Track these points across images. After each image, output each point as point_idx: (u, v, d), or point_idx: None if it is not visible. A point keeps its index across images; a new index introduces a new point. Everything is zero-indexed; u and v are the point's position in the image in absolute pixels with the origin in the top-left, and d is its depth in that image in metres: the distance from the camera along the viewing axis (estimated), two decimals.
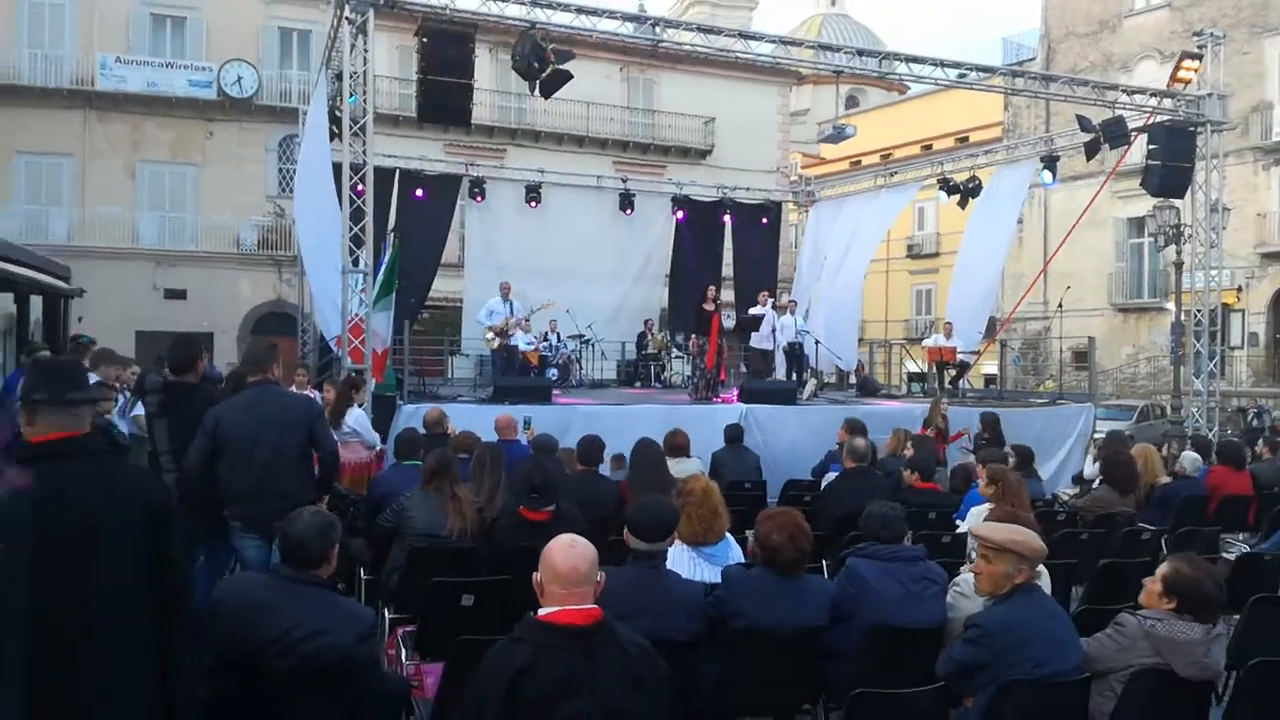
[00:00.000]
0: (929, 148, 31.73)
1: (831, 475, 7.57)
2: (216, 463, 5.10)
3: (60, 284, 11.24)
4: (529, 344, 14.95)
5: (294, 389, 8.53)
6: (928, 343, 15.93)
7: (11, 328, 12.78)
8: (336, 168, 11.20)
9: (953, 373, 15.25)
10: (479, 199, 17.36)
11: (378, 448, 8.73)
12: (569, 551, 2.84)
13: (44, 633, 2.45)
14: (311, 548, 3.26)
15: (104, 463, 2.69)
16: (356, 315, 10.44)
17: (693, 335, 14.15)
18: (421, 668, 4.45)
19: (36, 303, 11.85)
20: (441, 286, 18.19)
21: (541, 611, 2.81)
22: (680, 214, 18.76)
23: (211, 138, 23.59)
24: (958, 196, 17.00)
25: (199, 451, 5.13)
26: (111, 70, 22.41)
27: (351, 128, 10.55)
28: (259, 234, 23.87)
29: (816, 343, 15.40)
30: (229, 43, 23.37)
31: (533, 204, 17.43)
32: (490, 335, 14.45)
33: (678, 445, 7.74)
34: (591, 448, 6.69)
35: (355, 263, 10.56)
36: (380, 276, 11.28)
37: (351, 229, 10.42)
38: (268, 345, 6.06)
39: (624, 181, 19.09)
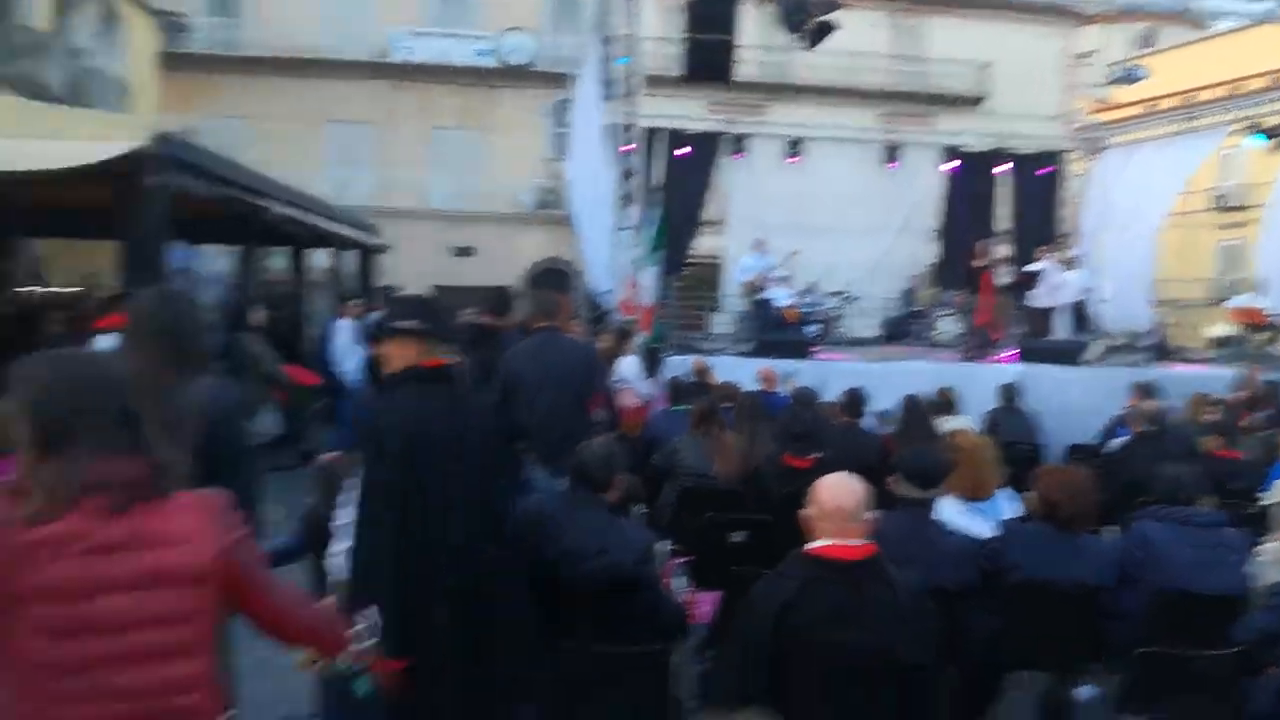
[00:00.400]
0: (1236, 89, 28.36)
1: (1119, 440, 7.13)
2: (511, 401, 5.58)
3: (371, 240, 12.50)
4: (788, 300, 14.95)
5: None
6: (1235, 302, 14.46)
7: (330, 280, 14.38)
8: (607, 129, 11.66)
9: (1265, 336, 13.76)
10: (740, 155, 17.45)
11: (647, 395, 9.15)
12: (840, 488, 2.91)
13: (417, 505, 3.08)
14: (598, 474, 3.53)
15: (453, 388, 3.31)
16: (627, 271, 10.89)
17: (962, 292, 13.61)
18: (695, 596, 4.69)
19: (349, 258, 13.24)
20: (703, 243, 18.52)
21: (810, 545, 2.90)
22: (950, 165, 17.96)
23: (495, 104, 25.14)
24: (1271, 142, 15.20)
25: (495, 390, 5.65)
26: (403, 42, 24.41)
27: (621, 89, 10.93)
28: (537, 195, 25.26)
29: (1103, 302, 14.36)
30: (508, 12, 24.74)
31: (794, 159, 17.31)
32: (747, 290, 14.59)
33: (946, 403, 7.56)
34: (855, 399, 6.69)
35: (625, 221, 10.99)
36: (648, 234, 11.68)
37: (623, 187, 10.84)
38: (556, 296, 6.50)
39: (889, 133, 18.51)
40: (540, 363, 5.61)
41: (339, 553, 3.17)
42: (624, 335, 9.66)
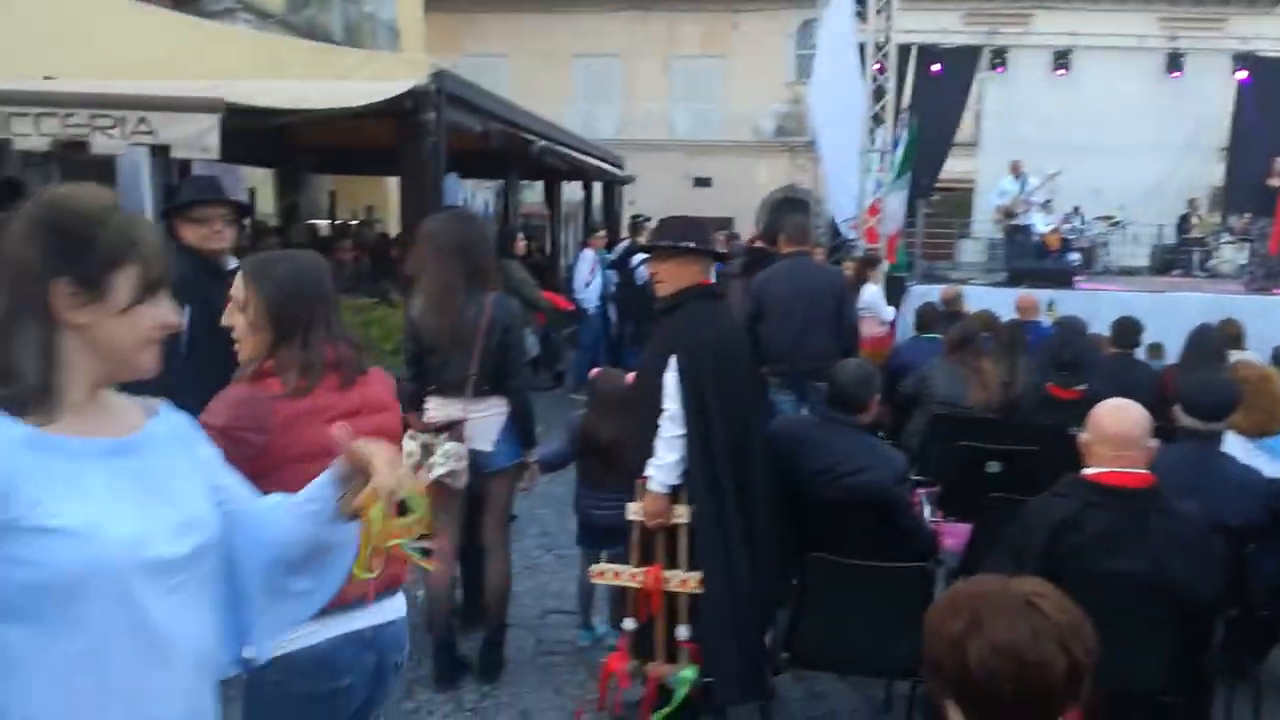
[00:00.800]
0: None
1: None
2: (760, 324, 5.70)
3: (618, 172, 12.86)
4: (1048, 226, 14.06)
5: None
6: None
7: (577, 212, 14.97)
8: (856, 48, 11.31)
9: None
10: (999, 70, 16.41)
11: (889, 322, 9.02)
12: (1121, 414, 2.81)
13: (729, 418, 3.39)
14: (856, 394, 3.57)
15: (721, 305, 3.68)
16: (873, 196, 10.64)
17: (1248, 216, 12.29)
18: (942, 526, 4.66)
19: (597, 189, 13.70)
20: (953, 166, 17.67)
21: (1088, 470, 2.83)
22: (1243, 74, 16.09)
23: (737, 29, 24.89)
24: None
25: (746, 313, 5.78)
26: None
27: (876, 4, 10.55)
28: (776, 121, 24.93)
29: None
30: None
31: (1060, 71, 16.09)
32: (1000, 216, 13.84)
33: (1230, 336, 6.94)
34: (1127, 329, 6.28)
35: (874, 143, 10.70)
36: (897, 157, 11.32)
37: (872, 108, 10.54)
38: (801, 221, 6.52)
39: (1172, 40, 16.78)
40: (793, 284, 5.69)
41: (666, 465, 3.33)
42: (868, 263, 9.50)
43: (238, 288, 2.19)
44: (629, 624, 3.40)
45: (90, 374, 1.33)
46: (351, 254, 12.08)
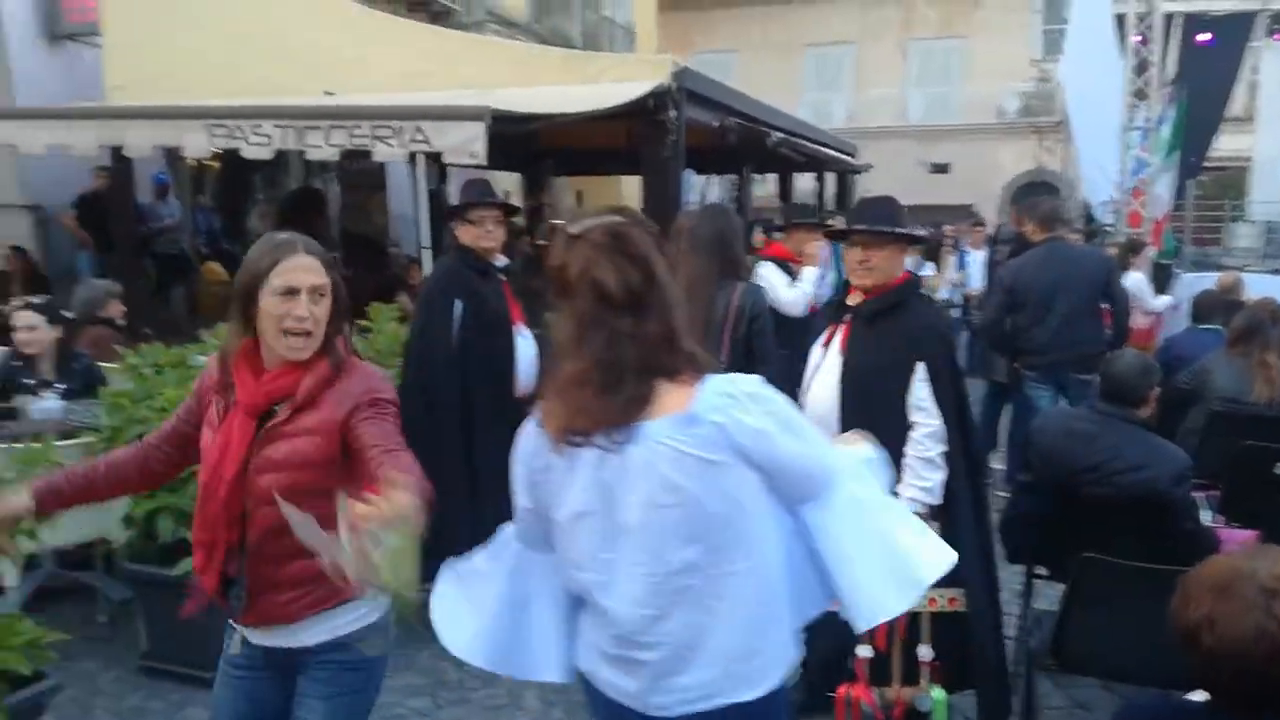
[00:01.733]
0: None
1: None
2: (1015, 315, 5.46)
3: (853, 161, 12.65)
4: None
5: None
6: None
7: (809, 203, 14.84)
8: (1113, 19, 10.56)
9: None
10: (1277, 36, 14.82)
11: (1157, 312, 8.38)
12: None
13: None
14: (1134, 386, 3.37)
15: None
16: (1136, 177, 9.91)
17: None
18: (1225, 531, 4.30)
19: (830, 179, 13.53)
20: (1225, 144, 16.12)
21: None
22: None
23: (979, 7, 23.81)
24: None
25: (996, 304, 5.55)
26: None
27: None
28: (1021, 101, 23.65)
29: None
30: None
31: None
32: None
33: None
34: None
35: (1134, 120, 9.96)
36: (1164, 134, 10.47)
37: (1133, 83, 9.81)
38: (1054, 204, 6.18)
39: None
40: (1050, 272, 5.41)
41: (932, 487, 3.04)
42: (1132, 249, 8.85)
43: (318, 275, 2.02)
44: (865, 651, 3.08)
45: None
46: None
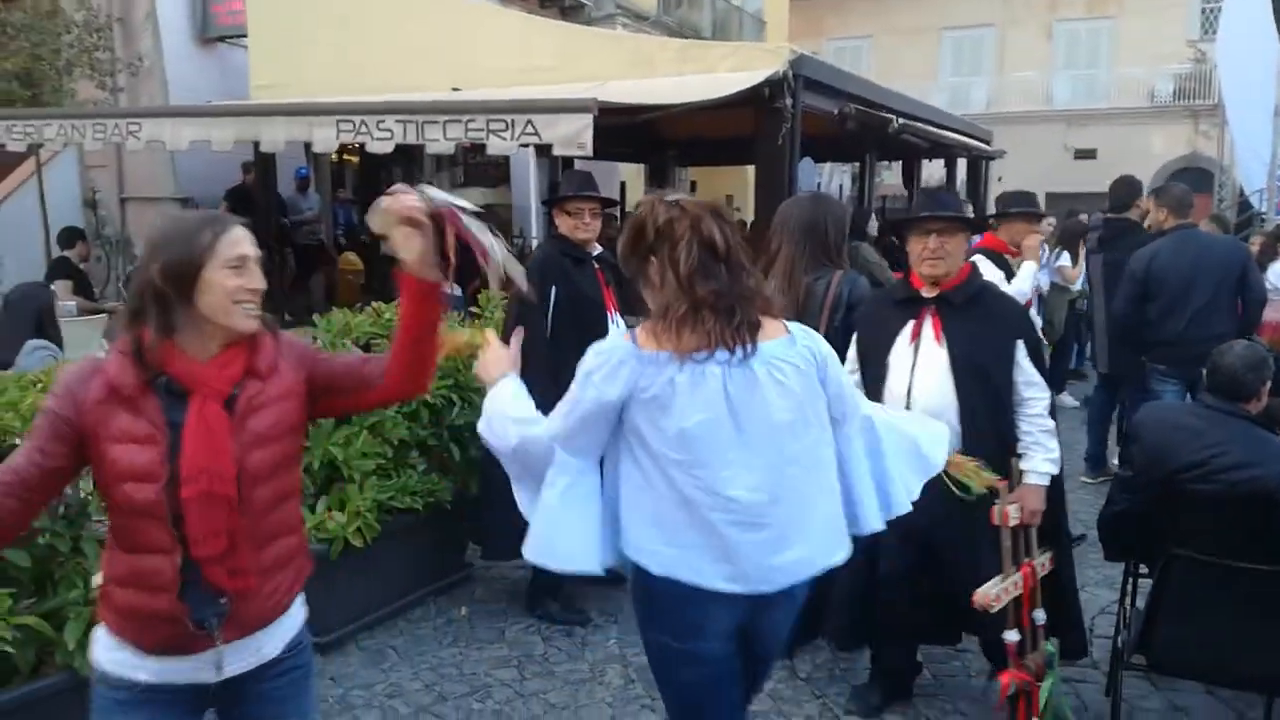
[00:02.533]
0: None
1: None
2: (1148, 306, 5.21)
3: (983, 146, 12.22)
4: None
5: None
6: None
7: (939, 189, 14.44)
8: None
9: None
10: None
11: None
12: None
13: None
14: (1244, 381, 3.19)
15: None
16: None
17: None
18: None
19: (961, 165, 13.12)
20: None
21: None
22: None
23: None
24: None
25: (1128, 295, 5.31)
26: None
27: None
28: (1175, 84, 22.36)
29: None
30: None
31: None
32: None
33: None
34: None
35: None
36: None
37: None
38: (1184, 190, 5.84)
39: None
40: (1185, 261, 5.14)
41: (1057, 456, 3.20)
42: (1278, 238, 8.30)
43: (254, 246, 1.93)
44: (1014, 635, 3.12)
45: None
46: None
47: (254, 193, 10.07)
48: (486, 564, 4.74)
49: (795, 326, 2.20)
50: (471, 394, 4.43)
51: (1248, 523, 3.03)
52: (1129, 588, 3.52)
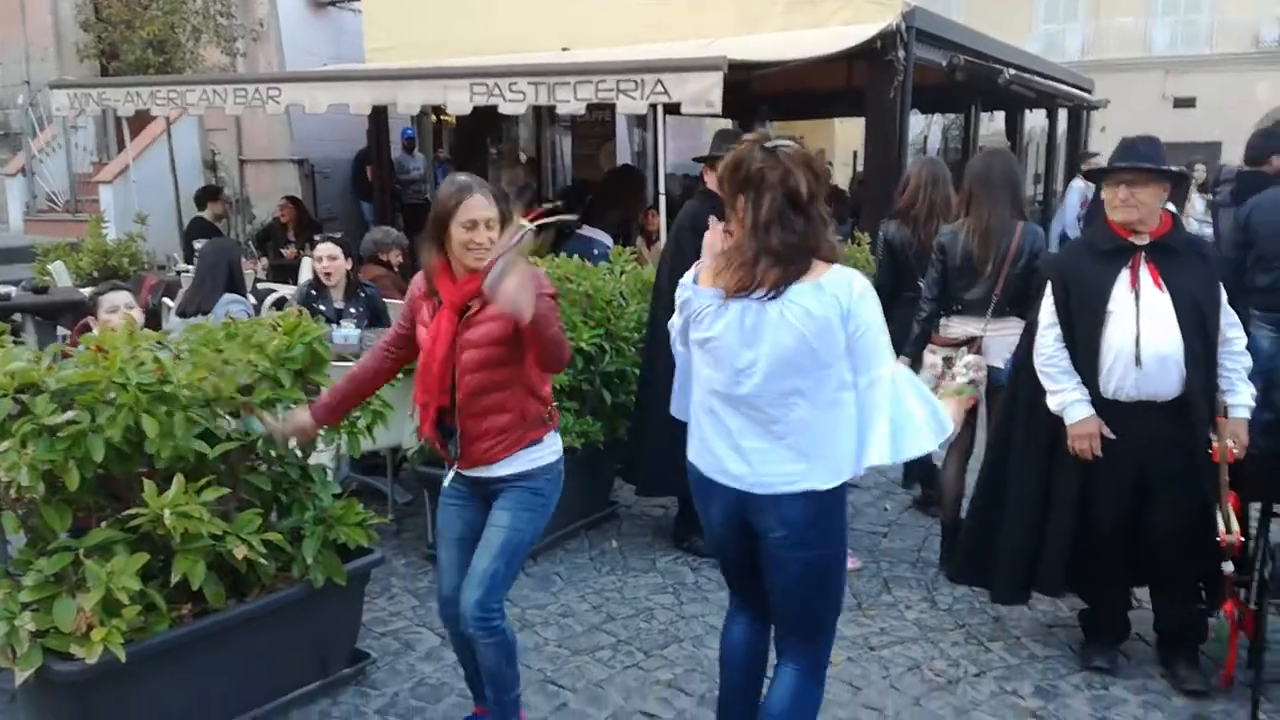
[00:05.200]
0: None
1: None
2: (1247, 254, 5.22)
3: (1088, 97, 12.00)
4: None
5: None
6: None
7: (1039, 141, 14.23)
8: None
9: None
10: None
11: None
12: None
13: None
14: None
15: None
16: None
17: None
18: None
19: (1062, 116, 12.89)
20: None
21: None
22: None
23: None
24: None
25: (1233, 242, 5.33)
26: None
27: None
28: None
29: None
30: None
31: None
32: None
33: None
34: None
35: None
36: None
37: None
38: None
39: None
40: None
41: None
42: None
43: (490, 210, 2.61)
44: (1230, 567, 3.25)
45: None
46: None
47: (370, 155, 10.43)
48: (628, 503, 5.04)
49: (839, 273, 2.28)
50: (620, 342, 4.69)
51: None
52: (1265, 525, 3.61)
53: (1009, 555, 3.56)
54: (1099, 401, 3.27)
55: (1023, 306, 3.88)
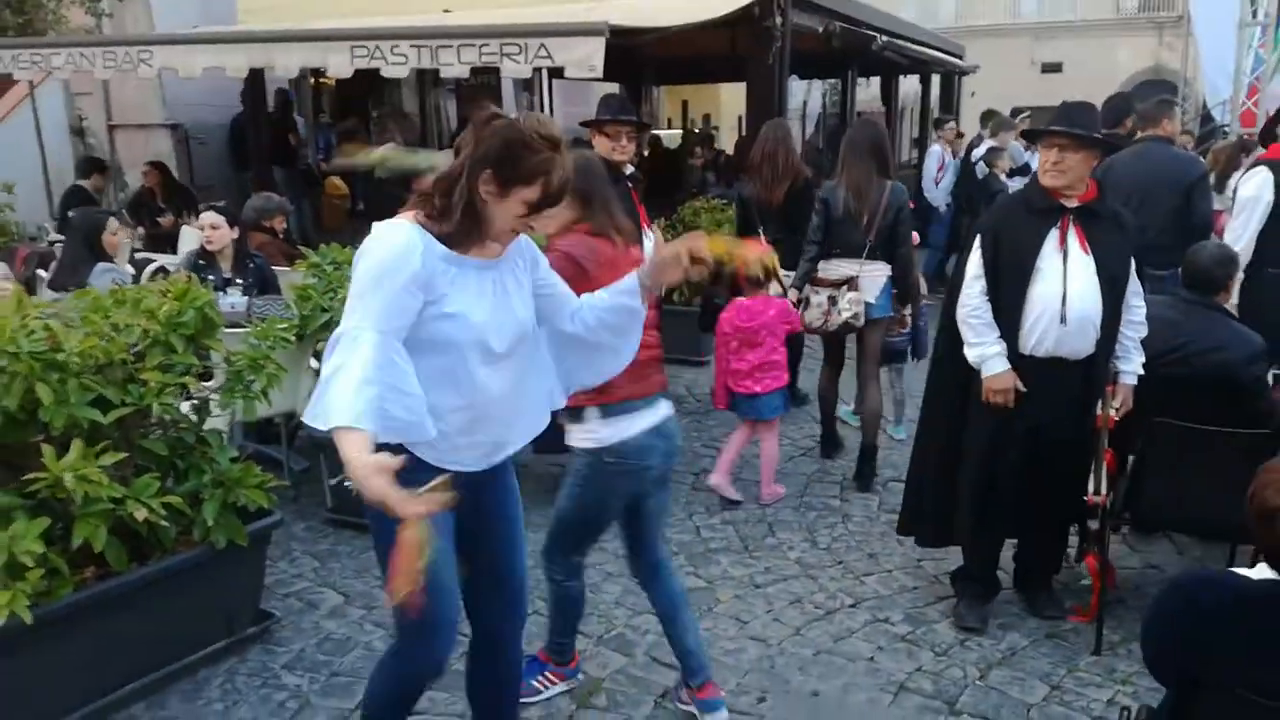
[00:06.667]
0: None
1: None
2: None
3: (959, 63, 12.51)
4: None
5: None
6: None
7: (912, 106, 14.76)
8: None
9: None
10: None
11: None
12: None
13: None
14: (1213, 275, 3.64)
15: None
16: (1253, 75, 9.68)
17: None
18: None
19: (935, 81, 13.41)
20: None
21: None
22: None
23: None
24: None
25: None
26: None
27: None
28: None
29: None
30: None
31: None
32: None
33: None
34: None
35: (1254, 14, 9.69)
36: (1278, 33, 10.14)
37: None
38: (1160, 100, 6.20)
39: None
40: (1139, 170, 5.47)
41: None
42: (1244, 148, 8.73)
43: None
44: (1095, 524, 3.50)
45: (488, 229, 2.13)
46: (699, 160, 12.79)
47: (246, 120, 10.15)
48: (526, 463, 5.17)
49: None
50: None
51: (1216, 402, 3.49)
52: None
53: (935, 504, 3.77)
54: (1014, 356, 3.40)
55: (890, 251, 4.80)
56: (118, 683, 3.02)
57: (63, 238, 7.37)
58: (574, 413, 2.72)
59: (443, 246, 2.08)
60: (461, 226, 2.08)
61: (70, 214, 7.31)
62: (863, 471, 5.01)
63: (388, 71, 6.29)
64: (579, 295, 2.45)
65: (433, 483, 1.88)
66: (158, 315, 3.03)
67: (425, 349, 2.07)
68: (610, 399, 2.69)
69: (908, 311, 5.22)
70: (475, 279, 2.13)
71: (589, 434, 2.74)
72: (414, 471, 1.94)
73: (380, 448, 1.86)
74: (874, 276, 4.87)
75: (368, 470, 1.77)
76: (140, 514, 2.83)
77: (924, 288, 5.45)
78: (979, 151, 9.50)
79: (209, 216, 5.30)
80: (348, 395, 1.86)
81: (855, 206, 4.76)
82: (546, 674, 3.15)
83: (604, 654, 3.43)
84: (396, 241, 2.03)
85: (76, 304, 3.07)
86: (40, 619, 2.68)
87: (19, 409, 2.68)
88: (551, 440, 4.70)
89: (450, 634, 2.29)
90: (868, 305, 4.87)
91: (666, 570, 3.01)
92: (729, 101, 17.78)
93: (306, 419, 1.98)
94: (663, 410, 2.84)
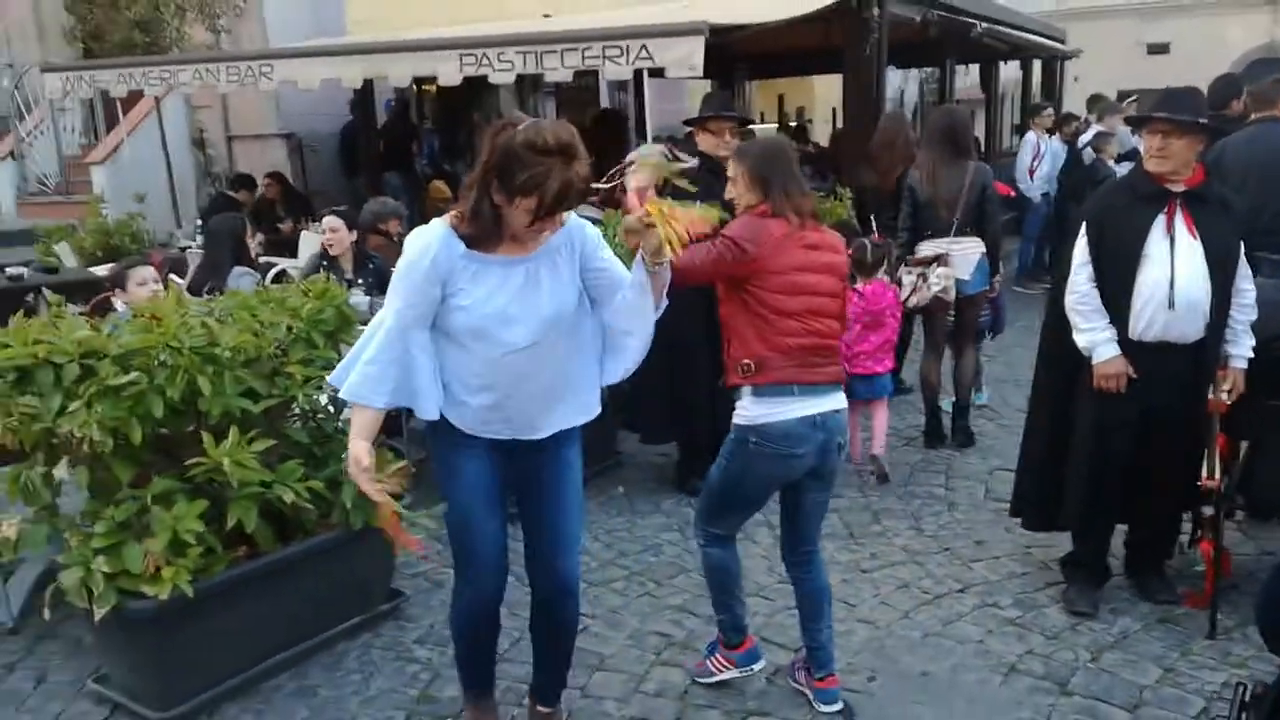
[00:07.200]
0: None
1: None
2: None
3: (1061, 47, 12.23)
4: None
5: None
6: None
7: (1013, 92, 14.42)
8: None
9: None
10: None
11: None
12: None
13: None
14: None
15: None
16: None
17: None
18: None
19: (1036, 67, 13.12)
20: None
21: None
22: None
23: None
24: None
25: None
26: None
27: None
28: None
29: None
30: None
31: None
32: None
33: None
34: None
35: None
36: None
37: None
38: (1276, 80, 6.01)
39: None
40: (1256, 153, 5.33)
41: None
42: None
43: (730, 166, 3.01)
44: (1210, 510, 3.47)
45: (506, 230, 2.30)
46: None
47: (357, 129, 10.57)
48: (632, 453, 5.33)
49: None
50: None
51: None
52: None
53: (1042, 490, 3.79)
54: (1123, 342, 3.39)
55: (980, 227, 5.16)
56: (266, 654, 3.26)
57: (192, 244, 7.86)
58: (735, 390, 2.86)
59: (464, 245, 2.30)
60: (480, 229, 2.29)
61: (211, 220, 7.81)
62: (958, 426, 5.47)
63: (495, 78, 6.52)
64: (741, 277, 2.76)
65: (392, 469, 2.65)
66: (300, 313, 3.27)
67: (449, 337, 2.38)
68: (762, 380, 2.78)
69: (998, 279, 5.46)
70: (499, 274, 2.33)
71: (740, 411, 2.84)
72: (452, 434, 2.47)
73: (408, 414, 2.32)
74: (965, 254, 5.20)
75: (351, 459, 2.36)
76: (288, 497, 3.06)
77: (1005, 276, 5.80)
78: (1086, 137, 9.29)
79: (330, 220, 5.60)
80: (349, 370, 2.41)
81: (933, 191, 5.14)
82: (717, 656, 3.20)
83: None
84: (419, 242, 2.33)
85: (225, 303, 3.33)
86: (200, 592, 2.92)
87: (180, 399, 2.93)
88: (656, 431, 4.93)
89: (490, 577, 2.61)
90: (961, 282, 5.21)
91: (817, 566, 3.06)
92: (823, 94, 17.68)
93: (330, 379, 2.52)
94: (829, 403, 2.84)
